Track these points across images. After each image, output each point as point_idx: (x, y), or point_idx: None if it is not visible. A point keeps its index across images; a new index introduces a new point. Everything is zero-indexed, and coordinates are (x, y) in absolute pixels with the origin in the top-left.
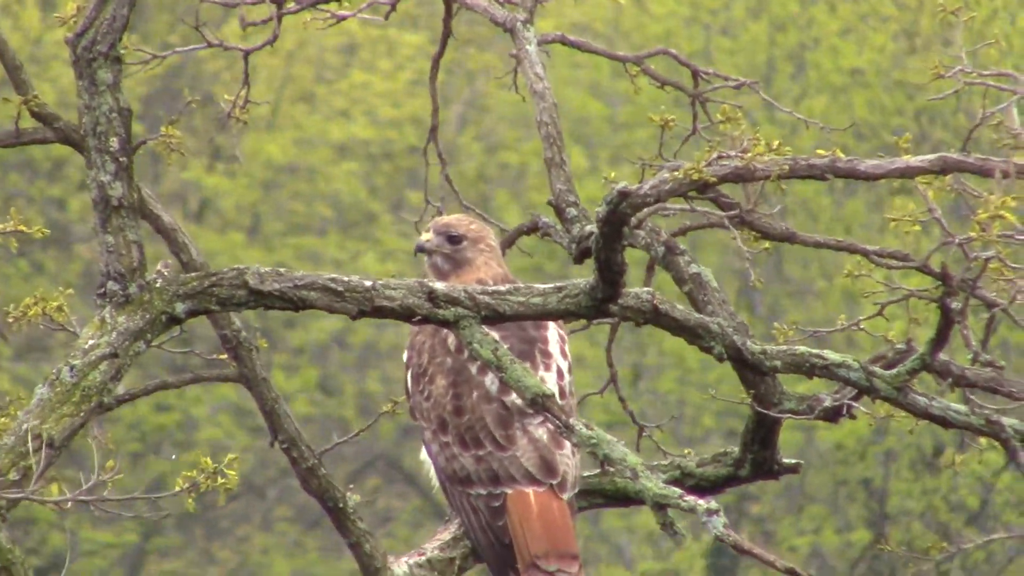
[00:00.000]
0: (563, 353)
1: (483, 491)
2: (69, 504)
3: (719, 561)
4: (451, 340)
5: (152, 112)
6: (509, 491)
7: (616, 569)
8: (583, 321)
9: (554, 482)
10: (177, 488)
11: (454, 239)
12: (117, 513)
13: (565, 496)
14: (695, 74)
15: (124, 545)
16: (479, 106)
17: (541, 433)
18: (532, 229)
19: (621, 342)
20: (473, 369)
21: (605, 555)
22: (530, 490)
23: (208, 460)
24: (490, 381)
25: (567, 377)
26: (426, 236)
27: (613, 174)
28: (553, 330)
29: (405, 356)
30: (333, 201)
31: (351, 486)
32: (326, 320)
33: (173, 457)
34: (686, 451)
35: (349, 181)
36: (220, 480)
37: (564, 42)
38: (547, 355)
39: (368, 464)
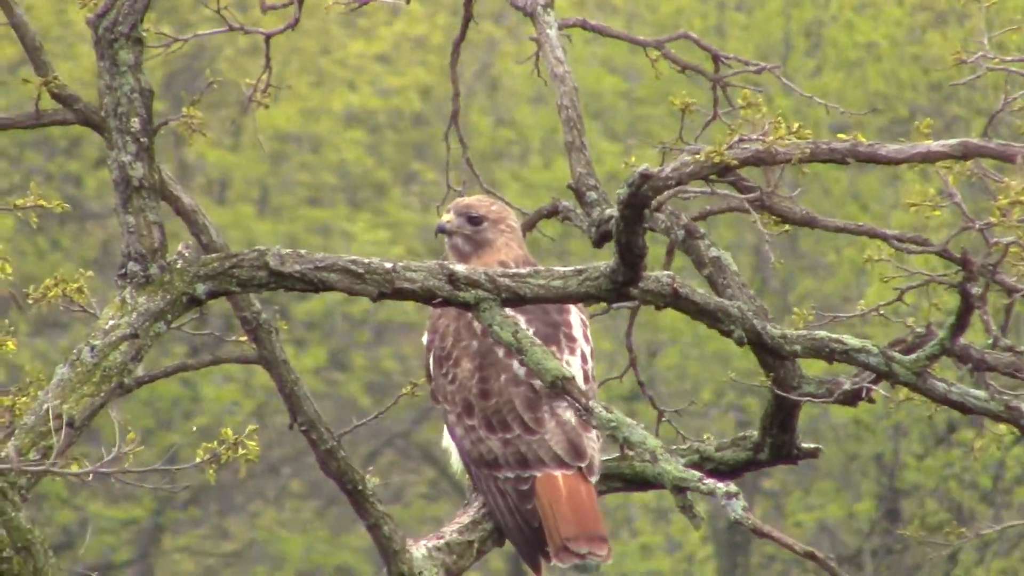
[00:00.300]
0: (586, 338)
1: (511, 474)
2: (90, 477)
3: (733, 538)
4: (476, 323)
5: (172, 93)
6: (538, 474)
7: (616, 544)
8: (603, 305)
9: (582, 465)
10: (198, 459)
11: (474, 220)
12: (138, 484)
13: (592, 480)
14: (715, 58)
15: (135, 523)
16: (491, 81)
17: (569, 416)
18: (552, 213)
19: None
20: (500, 352)
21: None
22: (559, 473)
23: (229, 431)
24: (518, 364)
25: (590, 362)
26: (447, 217)
27: (634, 158)
28: (576, 314)
29: (426, 339)
30: (341, 172)
31: (370, 468)
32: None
33: (194, 429)
34: (706, 435)
35: (355, 150)
36: (241, 451)
37: (584, 27)
38: (571, 339)
39: (385, 443)
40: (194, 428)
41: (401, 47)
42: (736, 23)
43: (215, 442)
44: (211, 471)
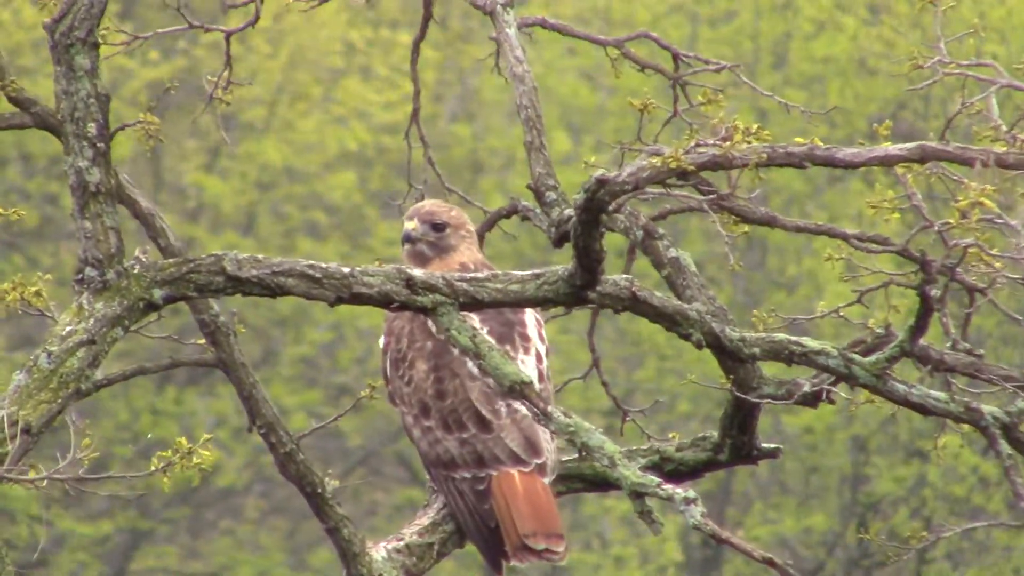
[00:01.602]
0: (541, 337)
1: (467, 474)
2: (44, 483)
3: (705, 553)
4: (431, 324)
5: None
6: (494, 473)
7: (590, 555)
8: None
9: (539, 461)
10: (152, 468)
11: (438, 227)
12: (93, 491)
13: (548, 479)
14: (675, 57)
15: (107, 540)
16: (470, 99)
17: (524, 413)
18: (511, 212)
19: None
20: (455, 352)
21: (584, 540)
22: (515, 472)
23: (183, 440)
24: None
25: (545, 361)
26: (411, 224)
27: (593, 159)
28: (531, 314)
29: (382, 342)
30: (329, 208)
31: (329, 471)
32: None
33: (148, 436)
34: (672, 435)
35: (345, 188)
36: (195, 460)
37: (544, 25)
38: (526, 339)
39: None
40: (148, 436)
41: (393, 82)
42: (705, 37)
43: (169, 451)
44: (165, 479)
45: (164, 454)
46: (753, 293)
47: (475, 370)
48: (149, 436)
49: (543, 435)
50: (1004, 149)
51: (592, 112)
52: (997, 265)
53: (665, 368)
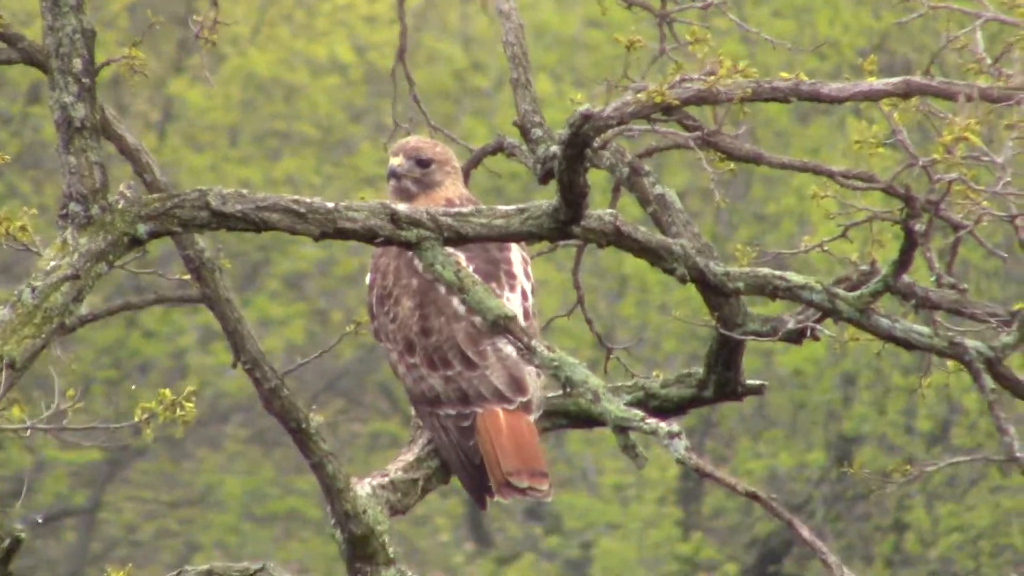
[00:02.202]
0: (527, 274)
1: (452, 411)
2: (28, 433)
3: (686, 486)
4: (417, 261)
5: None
6: (479, 410)
7: (580, 495)
8: (547, 244)
9: (524, 399)
10: (136, 418)
11: (423, 162)
12: (78, 441)
13: (533, 416)
14: None
15: (89, 465)
16: (454, 31)
17: (510, 351)
18: (497, 149)
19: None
20: (441, 290)
21: (571, 478)
22: (500, 409)
23: (167, 392)
24: (457, 301)
25: (531, 299)
26: (396, 160)
27: (580, 95)
28: (516, 251)
29: (368, 279)
30: (314, 122)
31: (313, 407)
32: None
33: (133, 388)
34: (656, 372)
35: (328, 99)
36: (179, 412)
37: None
38: (511, 276)
39: (331, 384)
40: (132, 387)
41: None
42: None
43: (153, 402)
44: (148, 431)
45: (147, 405)
46: (736, 226)
47: (461, 309)
48: (133, 388)
49: (528, 373)
50: (989, 83)
51: (570, 43)
52: (983, 203)
53: (649, 302)
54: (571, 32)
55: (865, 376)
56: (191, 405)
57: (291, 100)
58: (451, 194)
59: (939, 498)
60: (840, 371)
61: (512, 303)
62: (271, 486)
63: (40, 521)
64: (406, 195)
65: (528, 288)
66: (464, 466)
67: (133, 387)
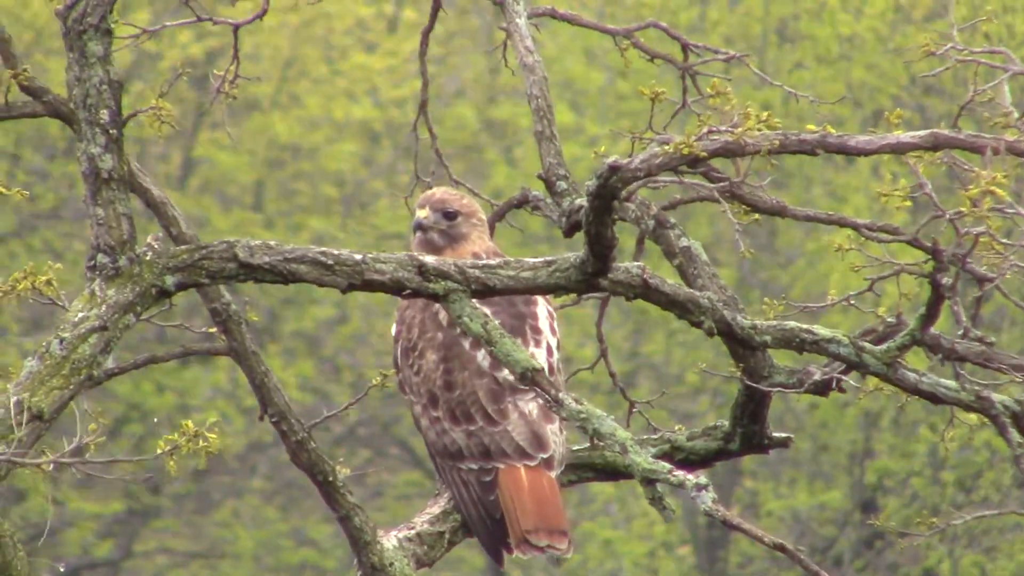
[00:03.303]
0: (552, 329)
1: (474, 466)
2: (51, 467)
3: (711, 534)
4: (442, 315)
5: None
6: (501, 466)
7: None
8: (573, 296)
9: (544, 456)
10: (159, 451)
11: (449, 215)
12: (100, 475)
13: (553, 474)
14: (685, 47)
15: (111, 516)
16: (477, 80)
17: (532, 408)
18: (522, 202)
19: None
20: (465, 344)
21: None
22: (521, 466)
23: (190, 423)
24: (482, 356)
25: (556, 354)
26: (423, 213)
27: (604, 148)
28: (543, 306)
29: (394, 330)
30: (337, 182)
31: (340, 459)
32: (319, 307)
33: (155, 420)
34: (677, 427)
35: (351, 161)
36: (201, 443)
37: (554, 15)
38: (537, 331)
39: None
40: (155, 420)
41: (401, 59)
42: (714, 19)
43: (176, 433)
44: (171, 462)
45: (171, 437)
46: (759, 275)
47: (485, 364)
48: (156, 421)
49: (550, 429)
50: (1016, 136)
51: (595, 93)
52: (1010, 257)
53: (673, 342)
54: (598, 85)
55: (887, 416)
56: (214, 436)
57: (314, 159)
58: (478, 247)
59: (963, 546)
60: (862, 411)
61: (538, 358)
62: (284, 537)
63: (62, 570)
64: (432, 247)
65: (554, 343)
66: (483, 521)
67: (156, 420)
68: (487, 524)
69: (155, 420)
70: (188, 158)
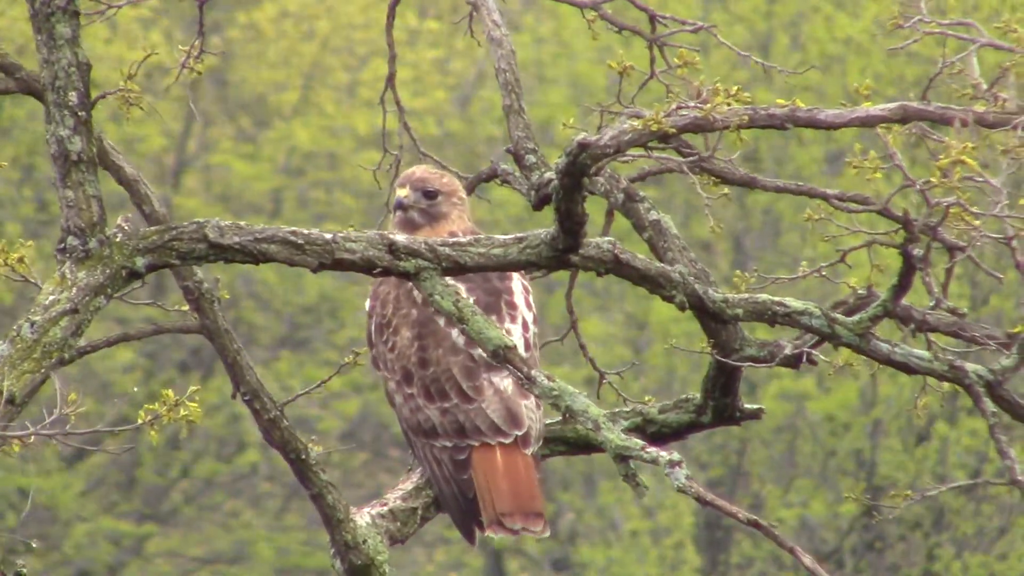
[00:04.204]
0: (528, 304)
1: (448, 443)
2: (31, 439)
3: (713, 535)
4: (416, 292)
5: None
6: (475, 443)
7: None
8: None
9: (519, 433)
10: (140, 420)
11: (430, 194)
12: (81, 446)
13: (529, 450)
14: (652, 18)
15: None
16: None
17: (507, 385)
18: (491, 176)
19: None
20: (440, 321)
21: (600, 530)
22: (496, 445)
23: (170, 392)
24: (456, 333)
25: (532, 329)
26: (403, 192)
27: (572, 120)
28: (518, 281)
29: (367, 306)
30: (354, 191)
31: (313, 437)
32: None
33: (135, 389)
34: (647, 398)
35: (368, 174)
36: (183, 412)
37: None
38: (512, 306)
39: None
40: (135, 389)
41: (423, 70)
42: (718, 20)
43: (156, 403)
44: (153, 432)
45: (151, 406)
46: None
47: (460, 341)
48: (135, 389)
49: (525, 406)
50: (984, 108)
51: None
52: (977, 223)
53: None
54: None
55: (896, 424)
56: (195, 405)
57: (335, 168)
58: (456, 227)
59: (968, 548)
60: (871, 419)
61: (513, 334)
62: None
63: (34, 546)
64: (412, 227)
65: (529, 318)
66: (455, 499)
67: (135, 388)
68: (459, 502)
69: (134, 388)
70: (181, 159)
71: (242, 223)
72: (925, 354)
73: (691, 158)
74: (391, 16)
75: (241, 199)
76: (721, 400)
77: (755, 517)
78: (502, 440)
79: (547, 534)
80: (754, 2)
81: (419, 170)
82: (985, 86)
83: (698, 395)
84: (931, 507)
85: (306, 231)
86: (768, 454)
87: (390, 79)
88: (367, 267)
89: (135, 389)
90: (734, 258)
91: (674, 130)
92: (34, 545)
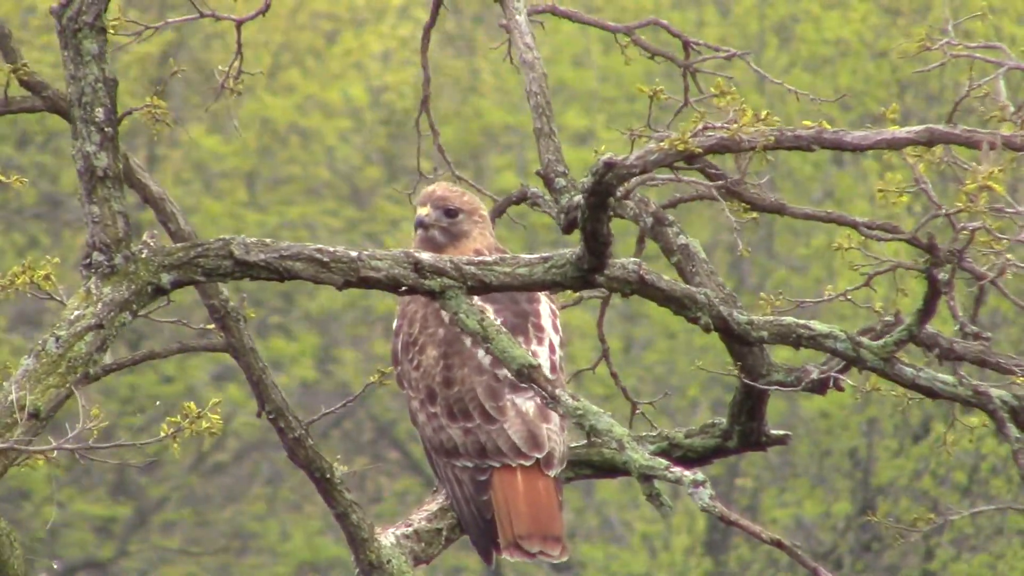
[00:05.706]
0: (555, 327)
1: (469, 464)
2: (54, 453)
3: (712, 537)
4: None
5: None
6: (496, 465)
7: (609, 547)
8: (571, 295)
9: (539, 456)
10: (162, 433)
11: (451, 212)
12: (103, 460)
13: (552, 473)
14: (686, 45)
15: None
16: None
17: (530, 406)
18: (521, 199)
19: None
20: (467, 341)
21: (598, 528)
22: (517, 468)
23: (192, 405)
24: (482, 353)
25: (559, 351)
26: (424, 211)
27: (604, 147)
28: (545, 304)
29: (395, 324)
30: (330, 166)
31: (338, 456)
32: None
33: (157, 403)
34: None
35: (344, 148)
36: (204, 424)
37: (555, 12)
38: (539, 328)
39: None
40: (156, 403)
41: (403, 44)
42: (711, 22)
43: (179, 416)
44: (175, 444)
45: (173, 419)
46: (761, 277)
47: (485, 361)
48: (157, 403)
49: (547, 428)
50: (1011, 131)
51: (587, 96)
52: (1007, 255)
53: (676, 348)
54: (590, 87)
55: (889, 423)
56: (217, 417)
57: (307, 145)
58: (479, 244)
59: (967, 548)
60: (866, 418)
61: (540, 356)
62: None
63: (56, 567)
64: (434, 245)
65: (556, 341)
66: (475, 519)
67: (157, 403)
68: (478, 523)
69: (156, 403)
70: (152, 141)
71: (268, 240)
72: (949, 378)
73: (720, 182)
74: (426, 39)
75: (216, 180)
76: (747, 424)
77: (778, 537)
78: (523, 462)
79: (565, 558)
80: (746, 5)
81: (439, 188)
82: (1012, 109)
83: (724, 420)
84: (929, 507)
85: (331, 249)
86: (763, 454)
87: (424, 102)
88: (393, 285)
89: (157, 403)
90: (728, 260)
91: (700, 150)
92: (55, 567)
